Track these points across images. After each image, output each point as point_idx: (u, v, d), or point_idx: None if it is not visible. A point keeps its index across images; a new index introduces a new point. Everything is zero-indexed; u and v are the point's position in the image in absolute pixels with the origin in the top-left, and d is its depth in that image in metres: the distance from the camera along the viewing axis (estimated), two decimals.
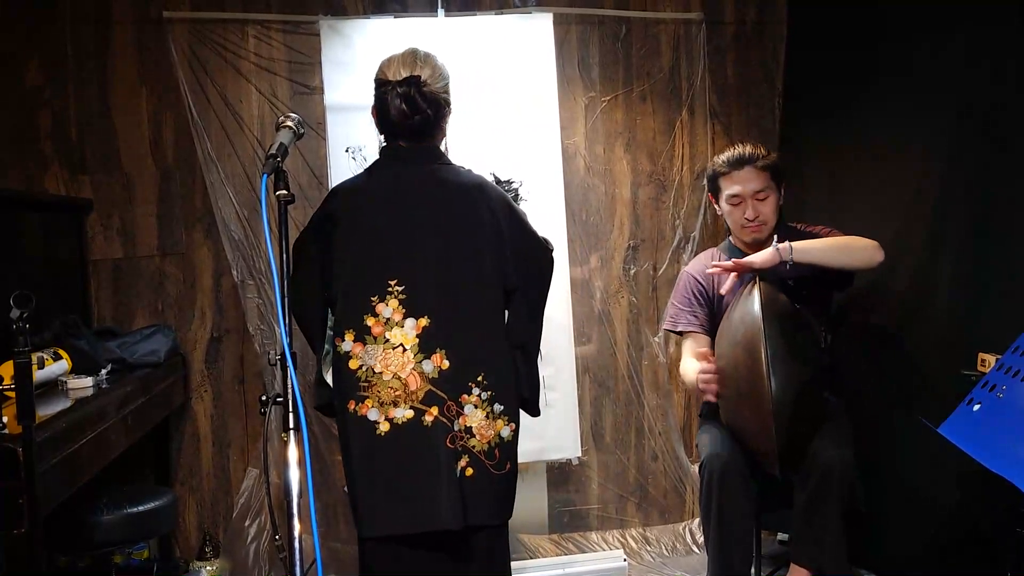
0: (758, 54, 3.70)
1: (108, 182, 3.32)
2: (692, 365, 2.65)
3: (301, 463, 1.68)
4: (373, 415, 2.06)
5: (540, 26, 3.23)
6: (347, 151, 3.11)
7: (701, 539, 3.43)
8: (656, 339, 3.61)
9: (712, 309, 2.74)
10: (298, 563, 1.67)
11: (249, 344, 3.37)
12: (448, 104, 2.19)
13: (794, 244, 2.46)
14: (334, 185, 2.30)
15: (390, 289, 2.08)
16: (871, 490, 2.79)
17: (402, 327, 2.07)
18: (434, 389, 2.07)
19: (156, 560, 3.27)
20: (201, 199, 3.35)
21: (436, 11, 3.26)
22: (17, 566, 1.88)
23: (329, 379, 2.19)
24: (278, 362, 1.74)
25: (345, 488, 3.27)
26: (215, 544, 3.35)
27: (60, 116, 3.27)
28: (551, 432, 3.16)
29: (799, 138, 3.48)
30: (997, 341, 2.13)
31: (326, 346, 2.20)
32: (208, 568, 3.25)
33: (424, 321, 2.07)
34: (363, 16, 3.31)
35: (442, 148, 2.25)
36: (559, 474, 3.56)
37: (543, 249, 2.28)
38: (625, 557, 3.33)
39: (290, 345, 1.71)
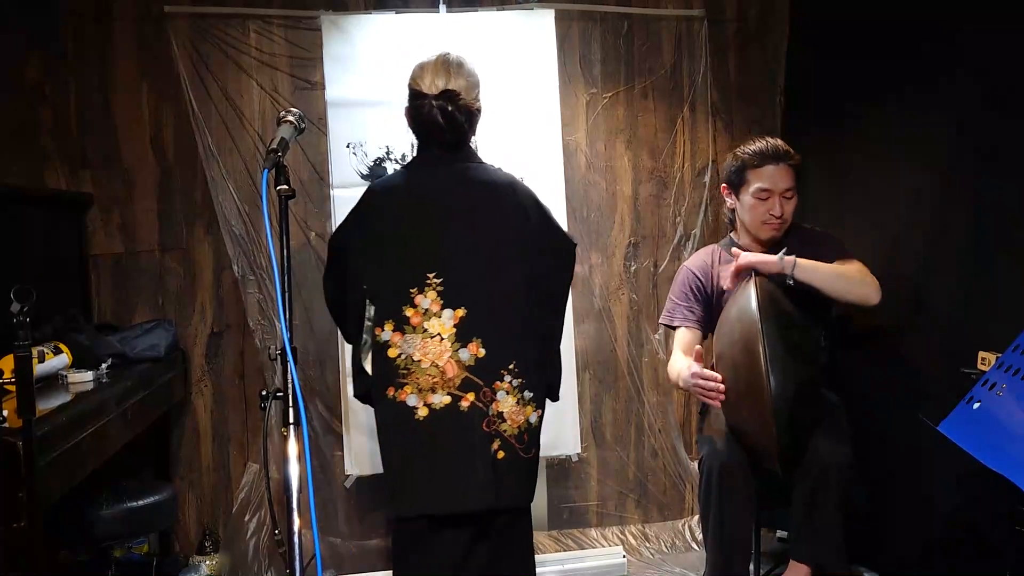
0: (759, 52, 3.69)
1: (108, 177, 3.32)
2: (681, 361, 2.65)
3: (301, 458, 1.69)
4: (412, 401, 2.15)
5: (542, 22, 3.23)
6: (348, 147, 3.11)
7: (700, 536, 3.43)
8: (656, 336, 3.61)
9: (710, 306, 2.74)
10: (298, 558, 1.68)
11: (249, 339, 3.37)
12: (480, 110, 2.29)
13: (800, 261, 2.47)
14: (371, 184, 2.39)
15: (428, 282, 2.17)
16: (871, 488, 2.79)
17: (440, 317, 2.16)
18: (471, 376, 2.16)
19: (156, 554, 3.28)
20: (202, 194, 3.35)
21: (437, 7, 3.25)
22: (16, 560, 1.88)
23: (368, 368, 2.26)
24: (278, 357, 1.75)
25: (346, 484, 3.29)
26: (215, 539, 3.35)
27: (61, 112, 3.27)
28: (551, 428, 3.13)
29: (800, 136, 3.47)
30: (997, 339, 2.13)
31: (364, 336, 2.26)
32: (208, 563, 3.26)
33: (461, 312, 2.16)
34: (364, 12, 3.31)
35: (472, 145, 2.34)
36: (559, 470, 3.56)
37: (568, 244, 2.38)
38: (624, 554, 3.34)
39: (290, 340, 1.71)
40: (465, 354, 2.16)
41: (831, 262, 2.57)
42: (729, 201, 2.76)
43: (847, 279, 2.52)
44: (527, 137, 3.17)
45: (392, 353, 2.17)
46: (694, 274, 2.78)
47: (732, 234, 2.82)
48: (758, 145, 2.66)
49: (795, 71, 3.62)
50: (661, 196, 3.64)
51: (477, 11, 3.27)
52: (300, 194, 3.31)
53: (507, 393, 2.18)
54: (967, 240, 2.59)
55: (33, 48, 3.23)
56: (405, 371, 2.16)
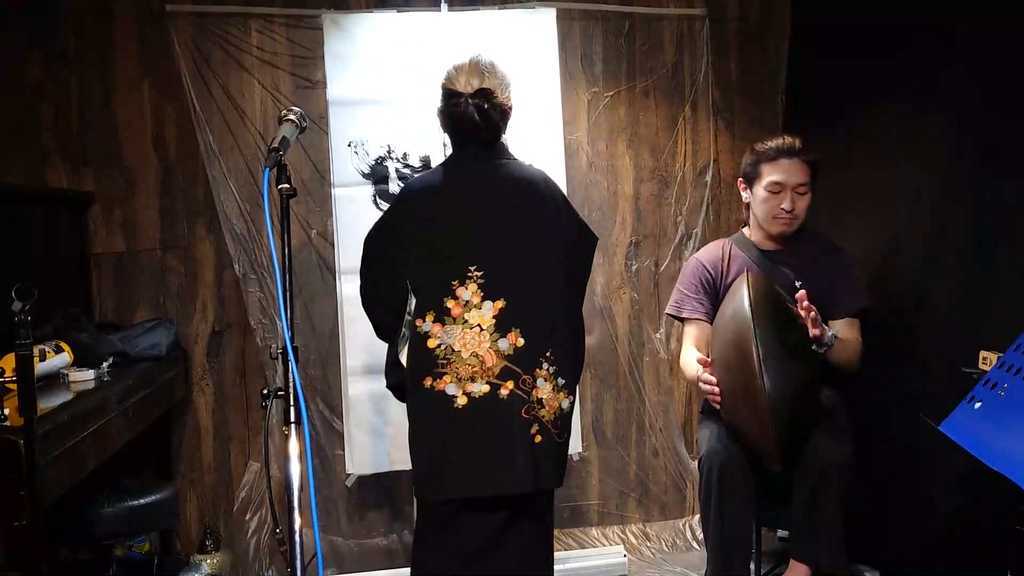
0: (761, 51, 3.69)
1: (110, 176, 3.32)
2: (694, 355, 2.66)
3: (302, 457, 1.69)
4: (451, 390, 2.21)
5: (543, 21, 3.23)
6: (349, 145, 3.11)
7: (701, 535, 3.43)
8: (657, 335, 3.61)
9: (717, 298, 2.73)
10: (299, 557, 1.68)
11: (250, 338, 3.37)
12: (512, 108, 2.34)
13: (837, 346, 2.52)
14: (408, 182, 2.48)
15: (470, 274, 2.24)
16: (873, 488, 2.79)
17: (480, 309, 2.23)
18: (510, 365, 2.23)
19: (157, 553, 3.28)
20: (203, 193, 3.36)
21: (439, 5, 3.25)
22: (17, 559, 1.89)
23: (404, 360, 2.33)
24: (279, 356, 1.74)
25: (347, 483, 3.29)
26: (216, 537, 3.36)
27: (62, 110, 3.27)
28: None
29: (800, 135, 3.46)
30: (999, 339, 2.13)
31: (403, 329, 2.34)
32: (209, 561, 3.26)
33: (500, 303, 2.23)
34: (366, 10, 3.31)
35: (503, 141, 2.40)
36: None
37: (592, 238, 2.47)
38: (625, 553, 3.34)
39: (291, 339, 1.71)
40: (504, 344, 2.23)
41: (841, 283, 2.64)
42: (744, 195, 2.77)
43: (852, 361, 2.61)
44: (528, 136, 3.15)
45: (432, 344, 2.23)
46: (704, 266, 2.78)
47: (744, 229, 2.83)
48: (775, 141, 2.69)
49: (796, 70, 3.62)
50: (662, 195, 3.63)
51: (479, 10, 3.27)
52: (301, 193, 3.31)
53: (545, 380, 2.26)
54: (968, 239, 2.59)
55: (34, 47, 3.23)
56: (445, 361, 2.22)
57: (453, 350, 2.22)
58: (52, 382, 2.55)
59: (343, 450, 3.22)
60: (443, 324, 2.23)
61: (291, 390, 1.72)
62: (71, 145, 3.28)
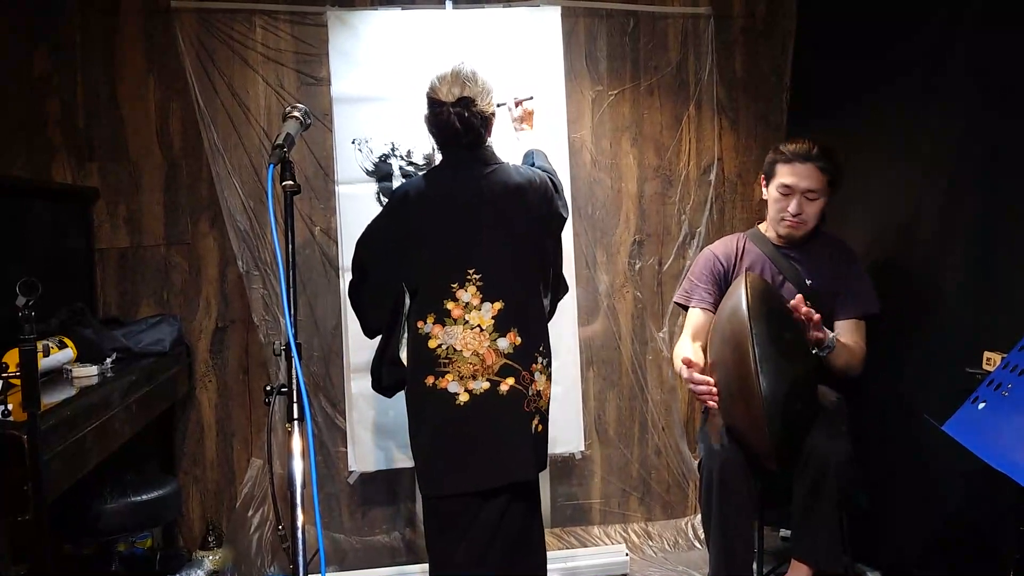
0: (766, 49, 3.68)
1: (115, 171, 3.32)
2: (688, 347, 2.67)
3: (304, 454, 1.69)
4: (453, 387, 2.33)
5: (548, 19, 3.23)
6: (353, 143, 3.11)
7: (703, 534, 3.43)
8: (661, 334, 3.60)
9: (726, 292, 2.74)
10: (301, 553, 1.68)
11: (254, 334, 3.38)
12: (494, 115, 2.47)
13: (838, 348, 2.53)
14: (400, 187, 2.53)
15: (468, 277, 2.35)
16: (875, 487, 2.79)
17: (479, 310, 2.35)
18: (509, 362, 2.35)
19: (159, 549, 3.29)
20: (207, 189, 3.36)
21: (444, 3, 3.25)
22: (22, 553, 1.89)
23: (403, 358, 2.45)
24: (283, 352, 1.75)
25: (349, 480, 3.30)
26: (218, 534, 3.36)
27: (68, 105, 3.28)
28: (555, 425, 3.14)
29: (803, 135, 3.46)
30: (1003, 339, 2.13)
31: (402, 330, 2.45)
32: (211, 557, 3.26)
33: (499, 304, 2.35)
34: (370, 7, 3.31)
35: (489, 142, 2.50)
36: (562, 468, 3.56)
37: (562, 221, 2.54)
38: (627, 551, 3.34)
39: (295, 336, 1.71)
40: (504, 343, 2.35)
41: (850, 285, 2.66)
42: (764, 192, 2.78)
43: (853, 366, 2.61)
44: (533, 134, 3.15)
45: (432, 344, 2.34)
46: (716, 257, 2.80)
47: (761, 225, 2.85)
48: (795, 144, 2.68)
49: (801, 69, 3.61)
50: (666, 194, 3.63)
51: (483, 7, 3.27)
52: (305, 190, 3.31)
53: (540, 373, 2.41)
54: (971, 238, 2.58)
55: (40, 42, 3.24)
56: (446, 360, 2.33)
57: (455, 350, 2.32)
58: (56, 377, 2.56)
59: (346, 447, 3.22)
60: (443, 325, 2.34)
61: (294, 387, 1.72)
62: (76, 140, 3.29)
